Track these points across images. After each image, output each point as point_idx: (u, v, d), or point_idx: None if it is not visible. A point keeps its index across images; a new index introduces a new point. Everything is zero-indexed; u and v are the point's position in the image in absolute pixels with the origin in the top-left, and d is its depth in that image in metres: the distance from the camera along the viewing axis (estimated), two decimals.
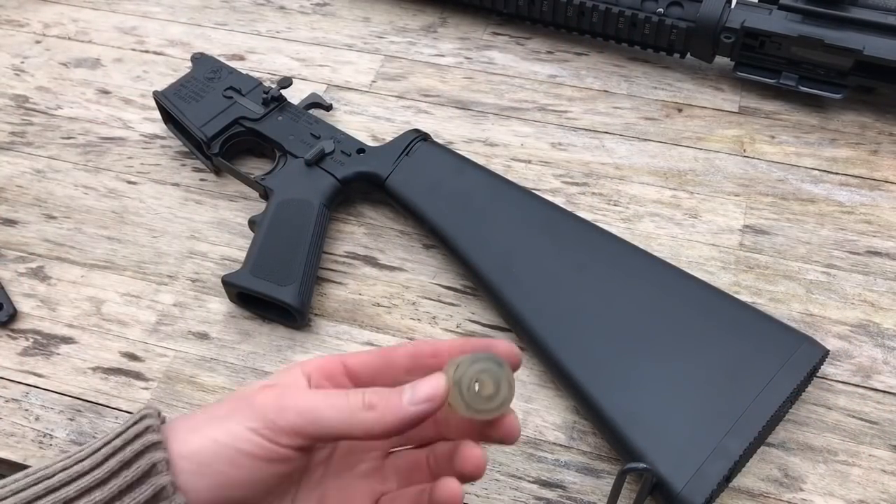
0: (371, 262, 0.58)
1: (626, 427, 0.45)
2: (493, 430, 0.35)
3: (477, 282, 0.54)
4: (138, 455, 0.30)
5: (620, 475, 0.43)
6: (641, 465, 0.43)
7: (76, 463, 0.30)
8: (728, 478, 0.45)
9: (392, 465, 0.38)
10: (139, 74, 0.72)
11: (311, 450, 0.34)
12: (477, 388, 0.33)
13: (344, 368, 0.36)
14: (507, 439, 0.35)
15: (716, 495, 0.44)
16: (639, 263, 0.52)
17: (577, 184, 0.62)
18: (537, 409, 0.50)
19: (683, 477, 0.43)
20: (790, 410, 0.49)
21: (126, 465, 0.30)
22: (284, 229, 0.56)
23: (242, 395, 0.32)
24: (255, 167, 0.64)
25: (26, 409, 0.52)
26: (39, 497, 0.29)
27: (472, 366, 0.33)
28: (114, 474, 0.30)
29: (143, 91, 0.70)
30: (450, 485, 0.33)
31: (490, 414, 0.34)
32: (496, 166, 0.63)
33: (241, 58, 0.73)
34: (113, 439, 0.31)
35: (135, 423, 0.31)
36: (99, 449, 0.31)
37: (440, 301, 0.56)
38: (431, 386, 0.33)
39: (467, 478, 0.34)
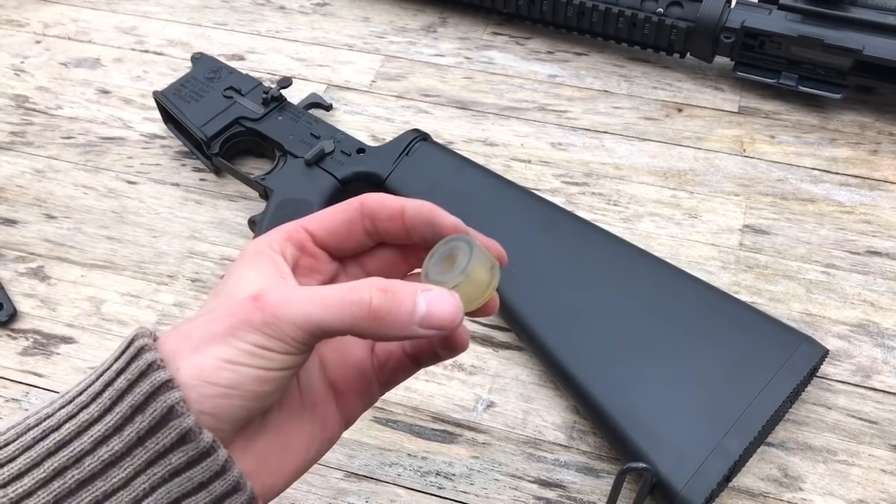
0: None
1: (626, 427, 0.45)
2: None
3: None
4: (150, 397, 0.28)
5: (620, 475, 0.43)
6: (641, 464, 0.43)
7: (80, 410, 0.28)
8: (728, 477, 0.45)
9: None
10: (139, 74, 0.72)
11: None
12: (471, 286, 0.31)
13: (309, 235, 0.34)
14: (488, 311, 0.33)
15: (716, 495, 0.44)
16: (638, 263, 0.52)
17: (576, 184, 0.62)
18: (537, 409, 0.50)
19: (683, 476, 0.43)
20: (790, 410, 0.49)
21: (138, 409, 0.28)
22: None
23: (237, 312, 0.29)
24: (255, 167, 0.64)
25: (26, 409, 0.52)
26: (52, 453, 0.28)
27: (485, 271, 0.31)
28: (127, 420, 0.28)
29: (143, 91, 0.70)
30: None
31: (477, 304, 0.31)
32: (496, 166, 0.63)
33: (241, 58, 0.73)
34: (114, 378, 0.29)
35: (133, 357, 0.29)
36: (101, 392, 0.28)
37: None
38: (449, 313, 0.29)
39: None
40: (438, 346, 0.34)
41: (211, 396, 0.28)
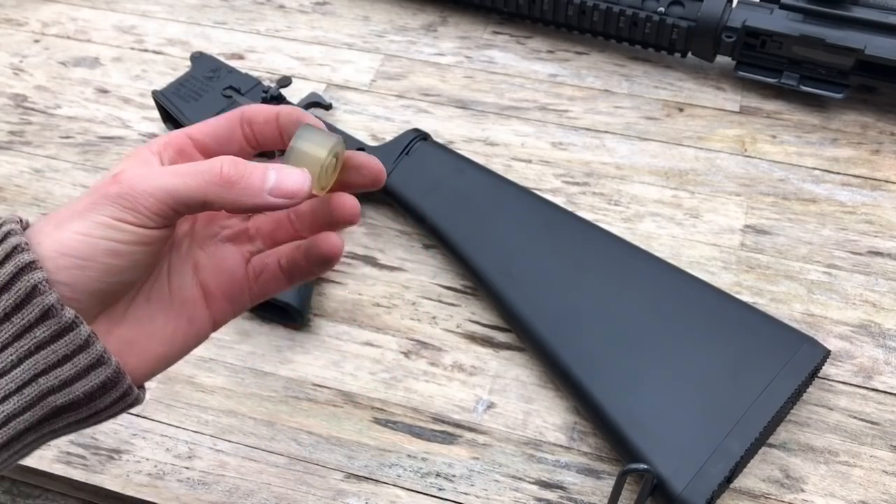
0: (371, 261, 0.58)
1: (627, 428, 0.45)
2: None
3: (477, 282, 0.54)
4: (14, 278, 0.29)
5: (621, 476, 0.43)
6: (642, 465, 0.43)
7: None
8: (729, 479, 0.44)
9: (255, 227, 0.38)
10: (138, 73, 0.72)
11: (178, 223, 0.34)
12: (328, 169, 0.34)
13: (192, 141, 0.36)
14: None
15: (717, 496, 0.44)
16: (639, 263, 0.52)
17: (577, 183, 0.61)
18: (538, 410, 0.50)
19: (684, 478, 0.43)
20: (791, 411, 0.49)
21: (3, 289, 0.30)
22: None
23: (98, 189, 0.31)
24: None
25: None
26: None
27: (331, 153, 0.34)
28: None
29: (142, 90, 0.70)
30: (330, 238, 0.36)
31: (325, 191, 0.35)
32: (496, 166, 0.62)
33: (241, 57, 0.73)
34: None
35: (0, 242, 0.30)
36: None
37: (440, 301, 0.55)
38: (297, 182, 0.32)
39: (343, 225, 0.37)
40: (310, 258, 0.36)
41: (66, 268, 0.30)
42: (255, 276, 0.38)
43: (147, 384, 0.35)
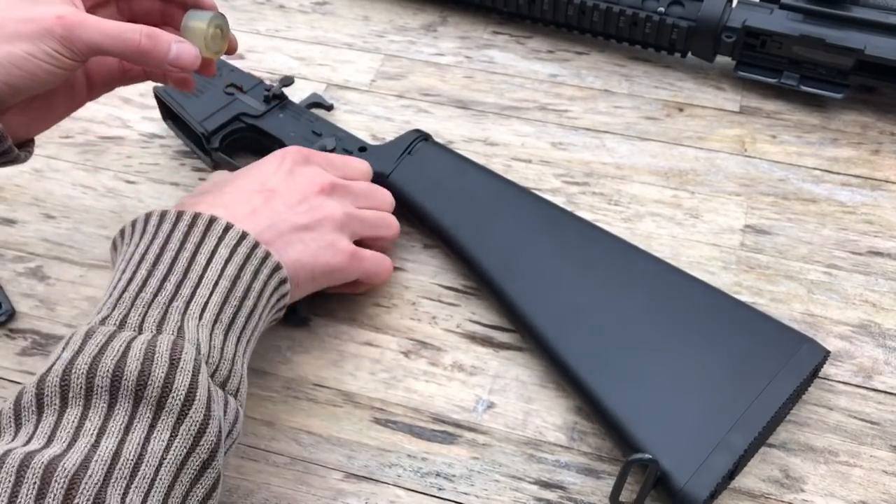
0: None
1: (630, 423, 0.45)
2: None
3: (479, 281, 0.54)
4: None
5: (626, 465, 0.43)
6: (647, 455, 0.43)
7: None
8: (731, 475, 0.45)
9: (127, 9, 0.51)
10: None
11: None
12: (213, 41, 0.48)
13: None
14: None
15: (719, 491, 0.44)
16: (639, 264, 0.52)
17: (577, 183, 0.61)
18: (538, 410, 0.50)
19: (687, 471, 0.43)
20: (791, 411, 0.49)
21: None
22: None
23: (42, 21, 0.42)
24: None
25: None
26: None
27: (211, 25, 0.48)
28: None
29: (142, 90, 0.70)
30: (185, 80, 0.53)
31: (219, 55, 0.50)
32: (496, 166, 0.62)
33: (241, 57, 0.73)
34: None
35: None
36: None
37: (440, 301, 0.55)
38: (191, 58, 0.46)
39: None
40: (172, 81, 0.53)
41: (15, 76, 0.42)
42: (125, 72, 0.52)
43: None
